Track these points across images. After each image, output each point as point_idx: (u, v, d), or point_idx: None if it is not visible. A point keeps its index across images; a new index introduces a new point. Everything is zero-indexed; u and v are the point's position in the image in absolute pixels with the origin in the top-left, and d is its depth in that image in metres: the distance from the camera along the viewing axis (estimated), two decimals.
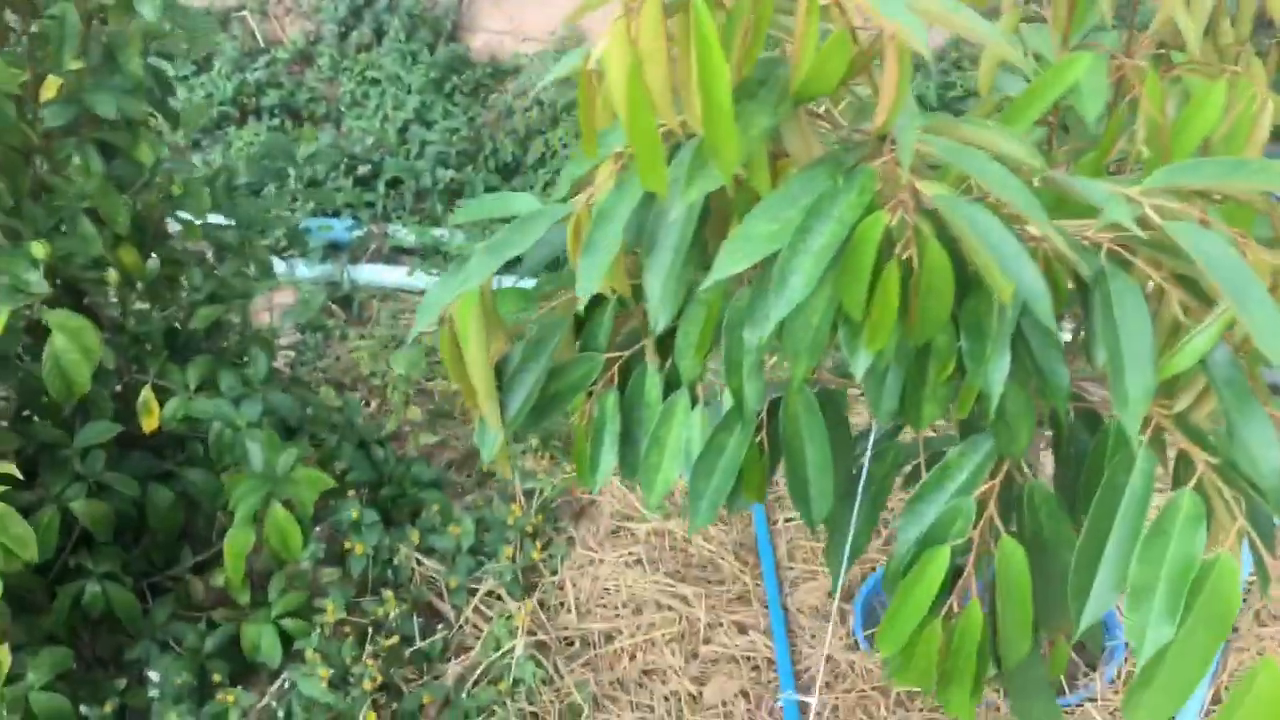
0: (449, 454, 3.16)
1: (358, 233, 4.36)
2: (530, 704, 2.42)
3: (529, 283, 1.48)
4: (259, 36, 5.04)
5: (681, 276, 1.25)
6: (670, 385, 1.44)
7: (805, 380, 1.33)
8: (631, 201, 1.22)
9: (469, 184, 4.38)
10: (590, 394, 1.47)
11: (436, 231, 4.27)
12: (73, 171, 2.12)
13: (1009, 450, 1.33)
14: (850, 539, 1.54)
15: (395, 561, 2.69)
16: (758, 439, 1.43)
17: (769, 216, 1.10)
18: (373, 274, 4.23)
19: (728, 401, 1.37)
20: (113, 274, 2.06)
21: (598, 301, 1.47)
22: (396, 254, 4.36)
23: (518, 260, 1.38)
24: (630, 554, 2.79)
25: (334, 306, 3.99)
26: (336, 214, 4.36)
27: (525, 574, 2.71)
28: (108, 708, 2.29)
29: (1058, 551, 1.33)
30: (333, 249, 4.27)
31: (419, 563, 2.73)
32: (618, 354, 1.46)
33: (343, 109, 4.76)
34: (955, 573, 1.31)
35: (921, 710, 2.40)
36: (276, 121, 4.70)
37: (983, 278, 1.08)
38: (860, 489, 1.53)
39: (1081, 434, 1.41)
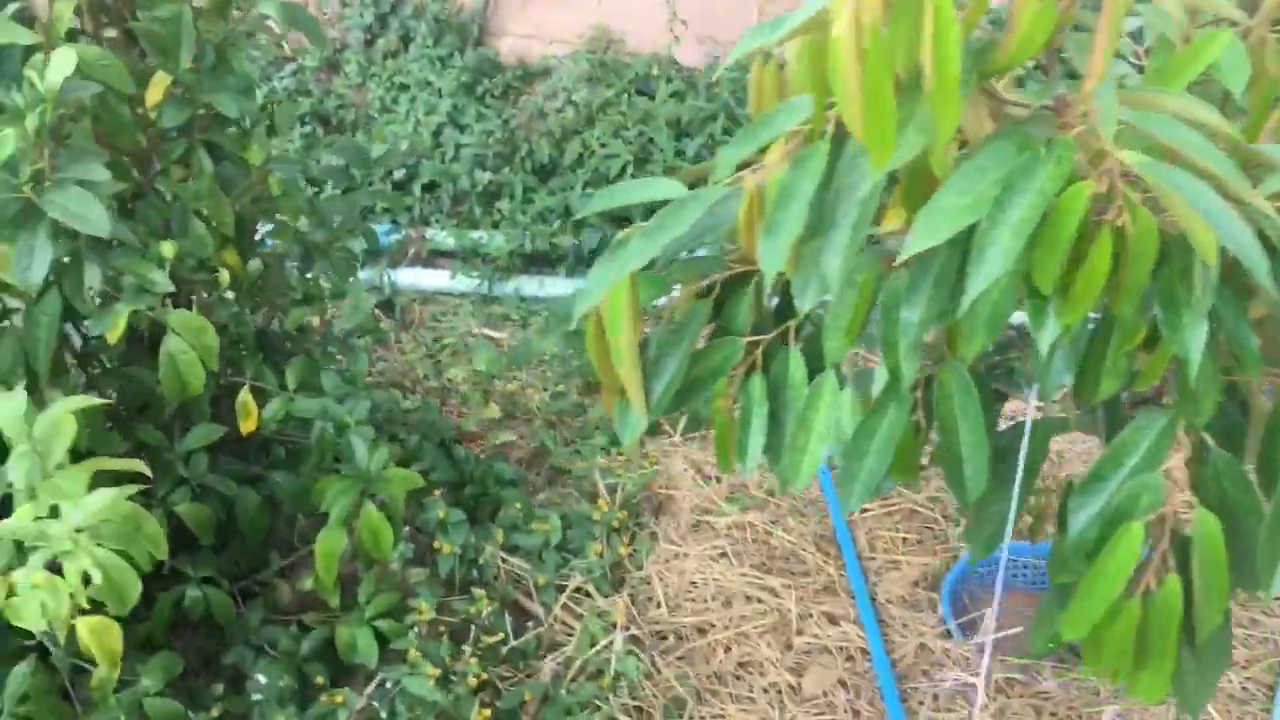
0: (518, 452, 3.16)
1: (396, 237, 4.36)
2: (633, 698, 2.42)
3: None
4: (284, 45, 5.02)
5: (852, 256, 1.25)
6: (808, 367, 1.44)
7: (977, 358, 1.34)
8: (814, 179, 1.22)
9: (507, 185, 4.38)
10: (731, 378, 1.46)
11: (475, 234, 4.27)
12: (177, 172, 2.11)
13: (1194, 421, 1.34)
14: (1001, 518, 1.55)
15: (481, 560, 2.68)
16: (913, 418, 1.43)
17: (959, 190, 1.10)
18: (413, 278, 4.23)
19: (879, 382, 1.36)
20: (225, 275, 2.05)
21: (735, 285, 1.47)
22: (434, 257, 4.36)
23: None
24: (714, 547, 2.79)
25: (378, 311, 3.98)
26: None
27: (613, 570, 2.71)
28: (214, 712, 2.27)
29: (1245, 522, 1.35)
30: (371, 254, 4.27)
31: (504, 561, 2.73)
32: (757, 337, 1.45)
33: (373, 114, 4.75)
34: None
35: (1021, 697, 2.42)
36: (308, 129, 4.68)
37: (1176, 246, 1.09)
38: (1018, 467, 1.54)
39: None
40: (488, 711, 2.27)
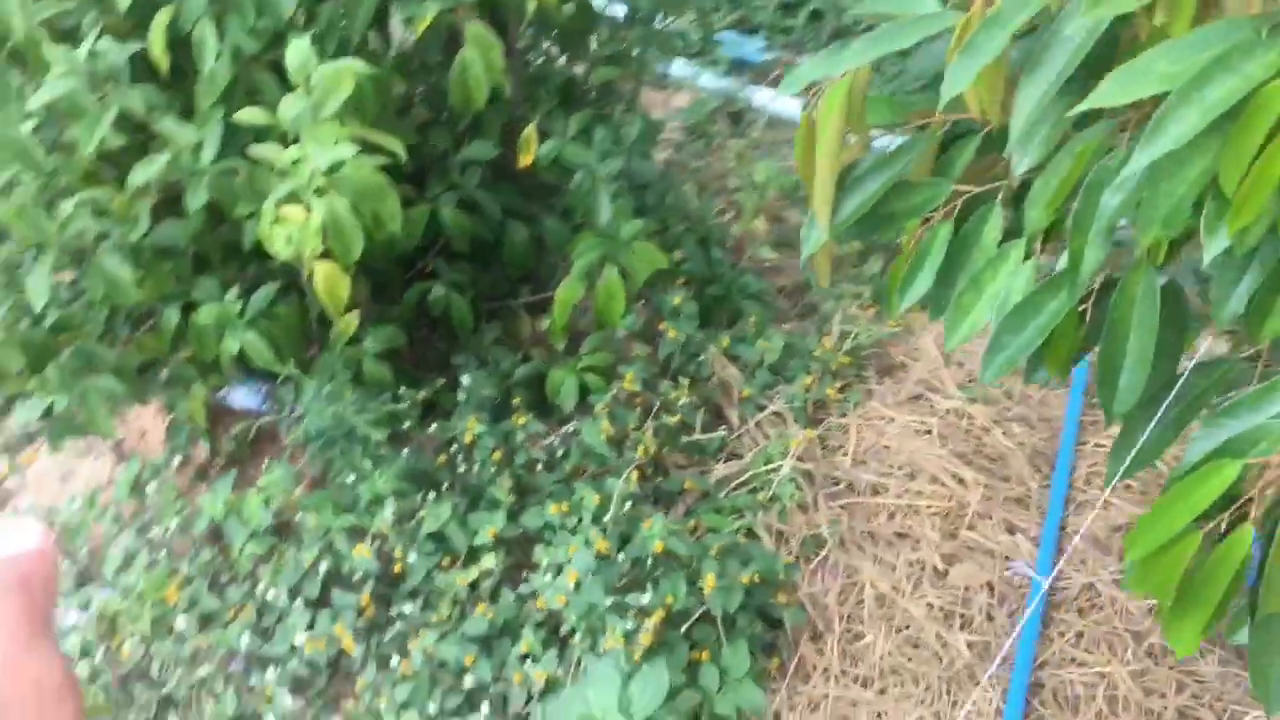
0: (782, 279, 3.21)
1: (767, 56, 4.40)
2: (781, 522, 2.49)
3: None
4: None
5: (1054, 110, 1.19)
6: (1009, 235, 1.39)
7: (1153, 255, 1.26)
8: (1029, 9, 1.16)
9: None
10: (926, 221, 1.44)
11: None
12: None
13: None
14: (1142, 441, 1.46)
15: (701, 357, 2.80)
16: (1081, 309, 1.36)
17: (1171, 56, 1.02)
18: (768, 99, 4.27)
19: (1061, 263, 1.30)
20: (531, 3, 2.19)
21: (965, 132, 1.43)
22: None
23: None
24: (923, 423, 2.75)
25: (722, 121, 4.08)
26: (754, 32, 4.40)
27: (814, 406, 2.75)
28: (420, 394, 2.58)
29: None
30: (738, 66, 4.34)
31: (721, 366, 2.83)
32: (967, 188, 1.41)
33: None
34: (1229, 499, 1.22)
35: (1171, 668, 2.26)
36: None
37: None
38: (1173, 395, 1.44)
39: None
40: (636, 476, 2.42)
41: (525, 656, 2.14)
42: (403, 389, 2.60)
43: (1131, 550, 1.28)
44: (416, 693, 2.11)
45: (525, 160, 2.56)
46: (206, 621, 2.25)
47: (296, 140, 1.92)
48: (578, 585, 2.07)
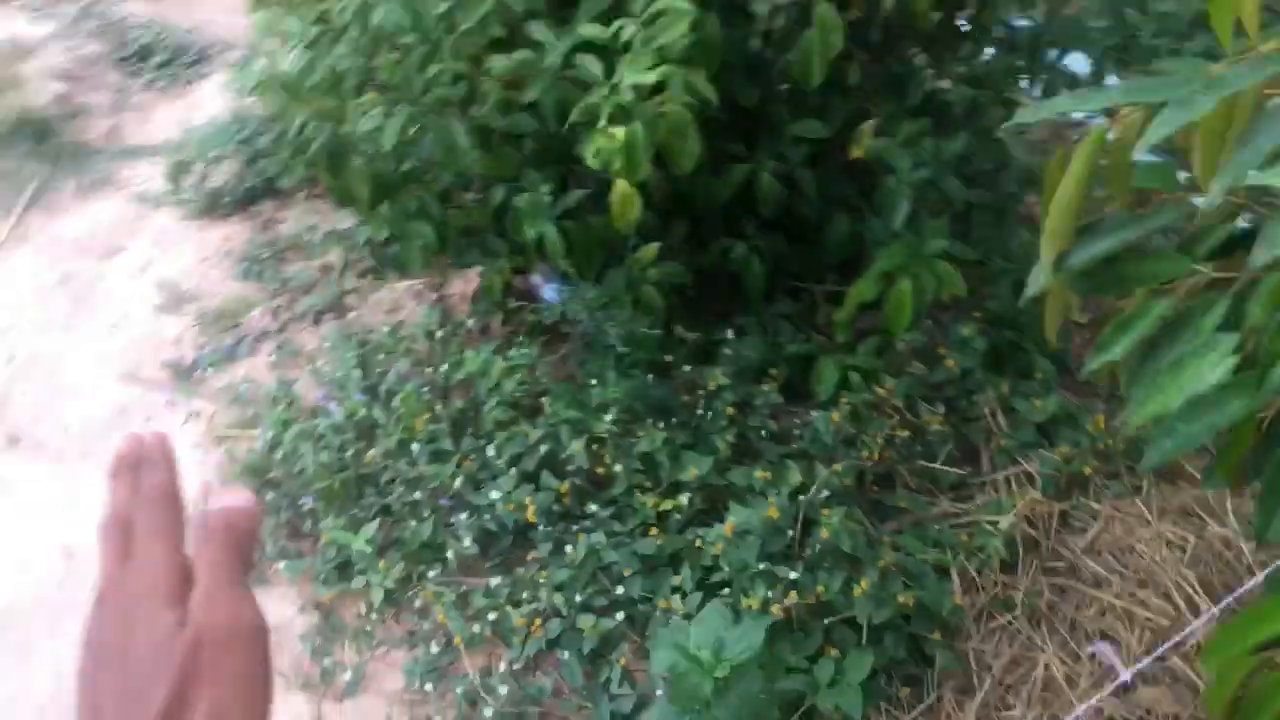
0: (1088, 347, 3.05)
1: None
2: (978, 571, 2.43)
3: None
4: None
5: None
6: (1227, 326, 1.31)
7: None
8: None
9: None
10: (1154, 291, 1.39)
11: None
12: None
13: None
14: None
15: (974, 395, 2.73)
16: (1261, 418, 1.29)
17: None
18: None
19: None
20: (888, 2, 2.26)
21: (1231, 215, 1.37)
22: None
23: None
24: (1182, 538, 2.54)
25: None
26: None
27: (1068, 479, 2.62)
28: (693, 335, 2.74)
29: None
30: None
31: (990, 410, 2.76)
32: (1205, 271, 1.34)
33: None
34: None
35: None
36: None
37: None
38: None
39: None
40: (865, 486, 2.45)
41: (676, 590, 2.26)
42: (678, 327, 2.78)
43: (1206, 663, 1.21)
44: (573, 581, 2.29)
45: (855, 152, 2.63)
46: (437, 457, 2.55)
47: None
48: (736, 538, 2.16)
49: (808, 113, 2.62)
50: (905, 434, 2.61)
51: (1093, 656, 2.31)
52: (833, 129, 2.62)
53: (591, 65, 2.10)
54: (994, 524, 2.49)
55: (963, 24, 2.57)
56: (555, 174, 2.54)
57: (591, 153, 2.21)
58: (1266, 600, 1.13)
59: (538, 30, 2.26)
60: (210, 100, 4.61)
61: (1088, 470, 2.61)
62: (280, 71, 2.65)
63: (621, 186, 2.27)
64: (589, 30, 2.13)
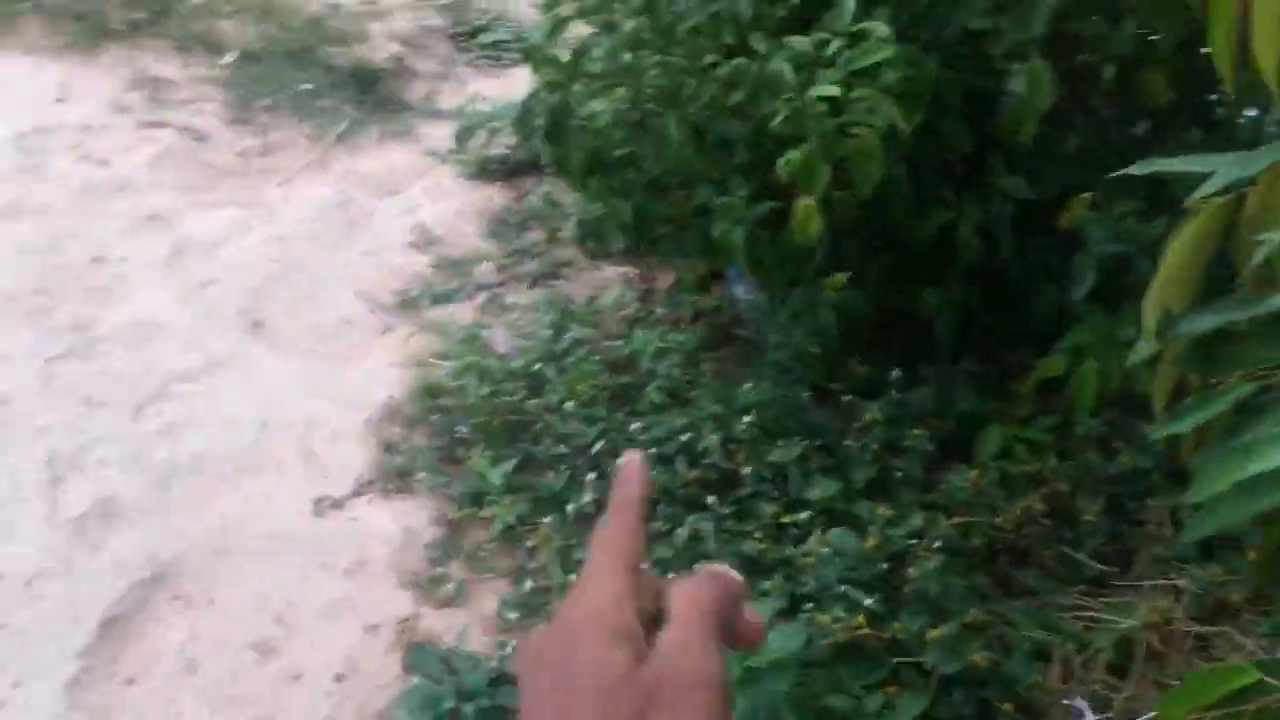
0: None
1: None
2: (1082, 660, 2.32)
3: None
4: None
5: None
6: None
7: None
8: None
9: None
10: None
11: None
12: None
13: None
14: None
15: (1147, 500, 2.61)
16: None
17: None
18: None
19: None
20: (1109, 70, 2.21)
21: None
22: None
23: None
24: None
25: None
26: None
27: (1215, 602, 2.45)
28: (863, 370, 2.77)
29: None
30: None
31: (1160, 523, 2.61)
32: None
33: None
34: None
35: None
36: None
37: None
38: None
39: None
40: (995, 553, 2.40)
41: (764, 594, 2.30)
42: (853, 359, 2.80)
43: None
44: (671, 561, 2.39)
45: (1063, 222, 2.57)
46: (588, 421, 2.71)
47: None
48: (824, 557, 2.18)
49: (1021, 172, 2.59)
50: (1053, 516, 2.52)
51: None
52: (1041, 193, 2.58)
53: (786, 72, 2.20)
54: (1114, 623, 2.37)
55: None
56: (759, 183, 2.64)
57: (783, 162, 2.31)
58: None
59: (757, 40, 2.38)
60: (521, 83, 5.01)
61: (1238, 599, 2.42)
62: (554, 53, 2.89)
63: (806, 202, 2.35)
64: (796, 40, 2.23)
